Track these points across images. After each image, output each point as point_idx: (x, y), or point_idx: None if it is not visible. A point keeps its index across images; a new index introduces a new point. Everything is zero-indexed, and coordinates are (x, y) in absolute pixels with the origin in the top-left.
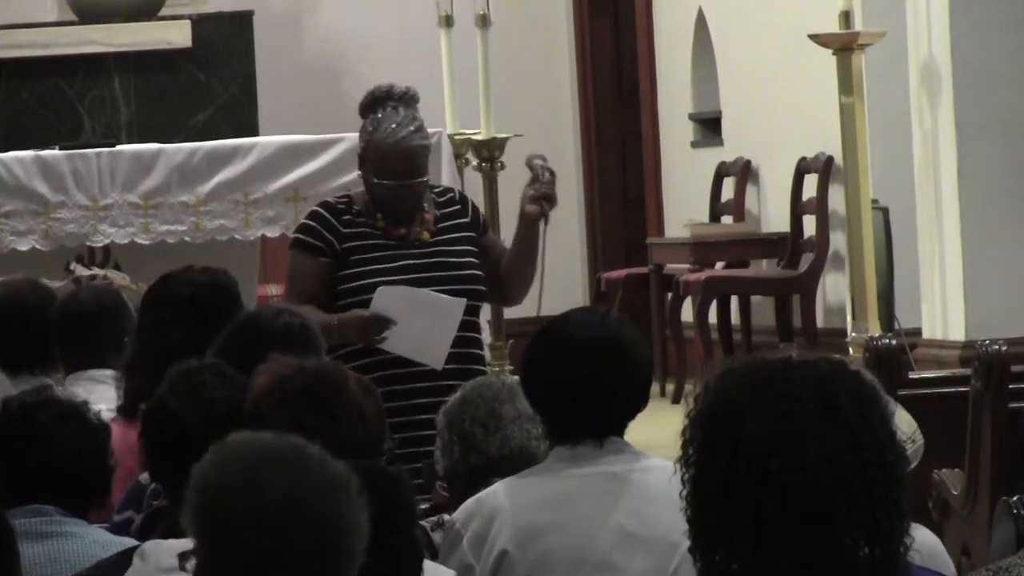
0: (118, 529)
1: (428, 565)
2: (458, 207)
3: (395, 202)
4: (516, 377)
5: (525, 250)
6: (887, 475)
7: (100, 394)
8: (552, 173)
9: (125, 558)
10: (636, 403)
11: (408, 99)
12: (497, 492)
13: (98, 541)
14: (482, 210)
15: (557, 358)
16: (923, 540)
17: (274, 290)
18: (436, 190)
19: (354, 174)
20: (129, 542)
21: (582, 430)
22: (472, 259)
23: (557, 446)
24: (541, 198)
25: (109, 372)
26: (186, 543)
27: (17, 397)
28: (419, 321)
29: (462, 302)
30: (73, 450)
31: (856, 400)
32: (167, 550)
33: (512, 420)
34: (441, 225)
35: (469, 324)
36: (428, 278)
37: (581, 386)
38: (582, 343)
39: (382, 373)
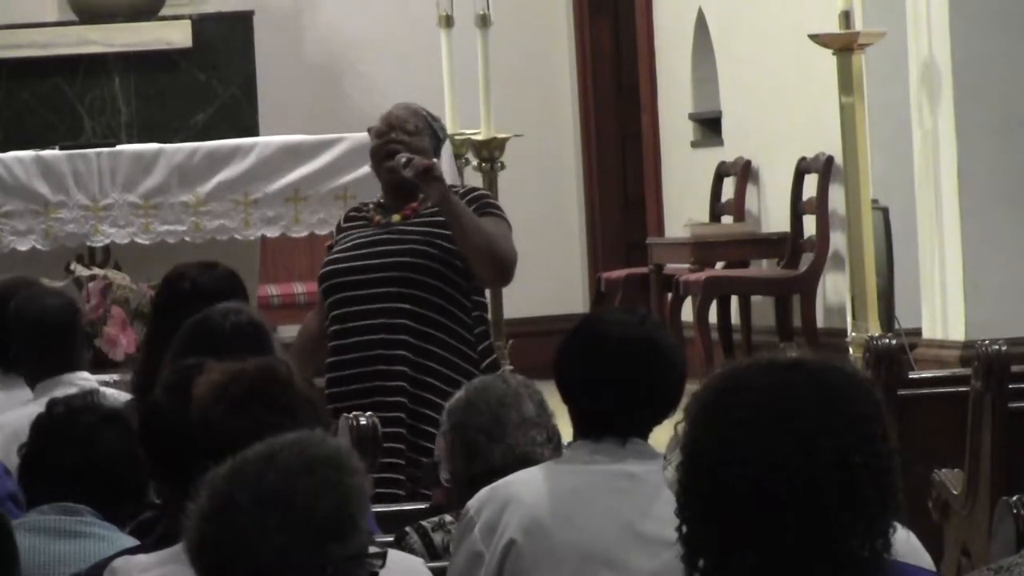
0: None
1: (394, 555)
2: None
3: (377, 164)
4: (521, 377)
5: (453, 230)
6: (849, 478)
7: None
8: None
9: (98, 572)
10: (665, 408)
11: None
12: (512, 482)
13: (125, 548)
14: (490, 199)
15: (594, 355)
16: (899, 539)
17: (274, 290)
18: (457, 188)
19: (354, 174)
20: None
21: (607, 428)
22: (428, 242)
23: (579, 439)
24: (415, 175)
25: (85, 374)
26: (157, 556)
27: (63, 399)
28: None
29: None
30: (113, 453)
31: (818, 404)
32: (136, 566)
33: (517, 426)
34: (423, 212)
35: (403, 325)
36: (371, 252)
37: (615, 385)
38: (621, 343)
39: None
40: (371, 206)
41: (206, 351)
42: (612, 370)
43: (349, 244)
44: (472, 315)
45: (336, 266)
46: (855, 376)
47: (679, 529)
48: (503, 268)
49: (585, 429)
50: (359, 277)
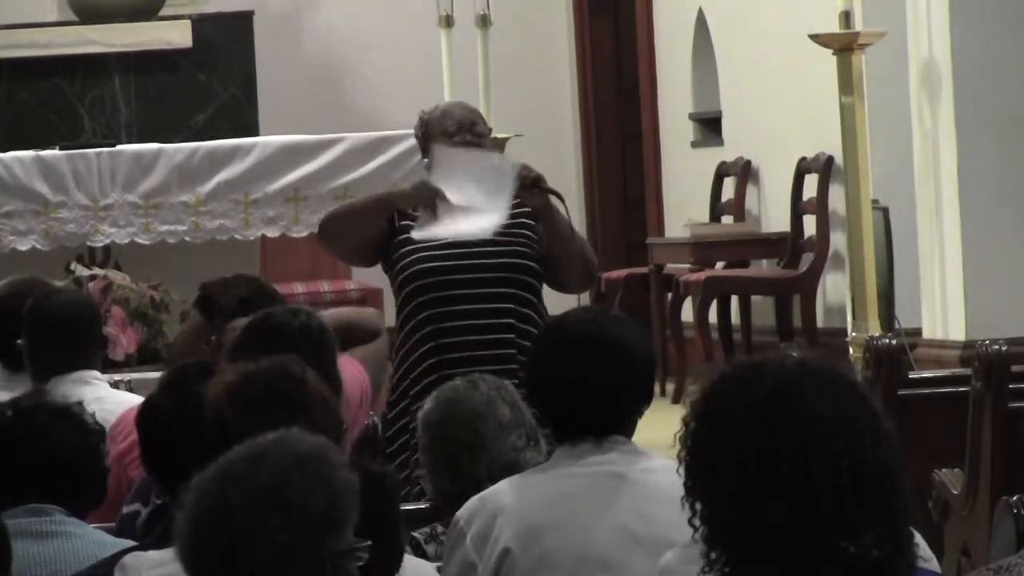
0: (125, 520)
1: (409, 560)
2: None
3: None
4: (491, 378)
5: (553, 237)
6: (852, 479)
7: (93, 392)
8: (525, 168)
9: (108, 569)
10: (636, 401)
11: None
12: (500, 490)
13: (98, 541)
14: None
15: (552, 358)
16: None
17: None
18: None
19: (354, 174)
20: (127, 544)
21: (582, 429)
22: (526, 244)
23: (560, 444)
24: (532, 187)
25: (96, 373)
26: (169, 553)
27: (12, 400)
28: (471, 189)
29: (514, 167)
30: (69, 449)
31: (839, 403)
32: (147, 563)
33: (496, 436)
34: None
35: (507, 324)
36: (478, 252)
37: (575, 385)
38: (574, 342)
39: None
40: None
41: (270, 347)
42: (571, 371)
43: (437, 243)
44: (544, 315)
45: (430, 264)
46: (856, 378)
47: (691, 522)
48: (592, 273)
49: (561, 434)
50: (462, 276)
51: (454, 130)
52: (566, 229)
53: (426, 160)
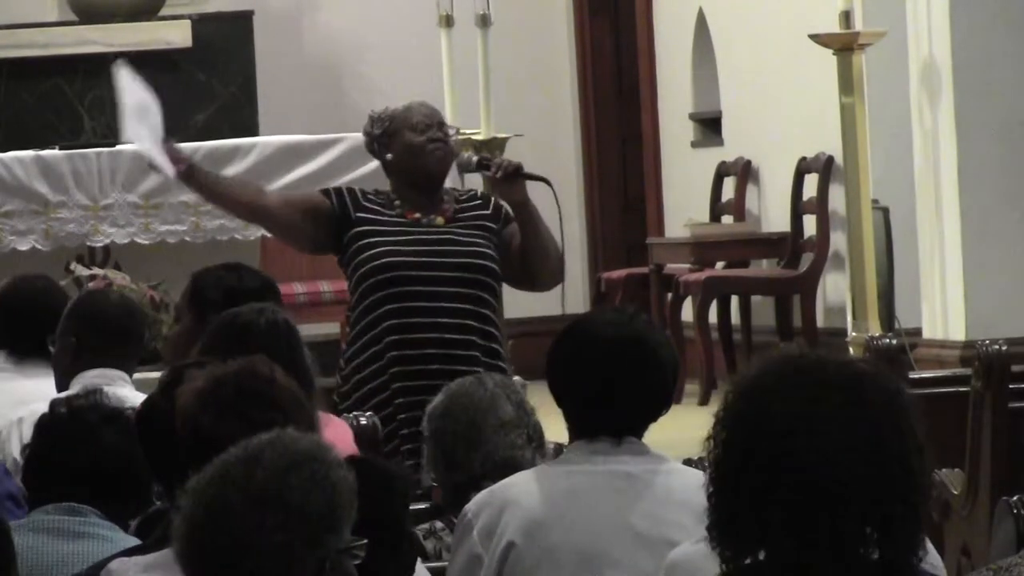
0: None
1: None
2: (479, 201)
3: (424, 158)
4: (499, 377)
5: (527, 229)
6: (908, 478)
7: (113, 391)
8: (487, 159)
9: (95, 572)
10: (658, 405)
11: None
12: (510, 484)
13: (128, 549)
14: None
15: (580, 356)
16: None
17: None
18: (459, 192)
19: (353, 174)
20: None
21: (601, 428)
22: (485, 246)
23: (575, 440)
24: (504, 177)
25: (122, 373)
26: (154, 557)
27: (65, 398)
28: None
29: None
30: (115, 453)
31: (887, 401)
32: (133, 567)
33: (494, 431)
34: (459, 215)
35: (469, 325)
36: (439, 251)
37: (602, 385)
38: (606, 342)
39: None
40: (393, 200)
41: (239, 347)
42: (601, 370)
43: (402, 238)
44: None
45: (398, 259)
46: (877, 379)
47: (708, 498)
48: (562, 270)
49: (579, 430)
50: (429, 274)
51: (424, 126)
52: (542, 224)
53: (390, 156)
